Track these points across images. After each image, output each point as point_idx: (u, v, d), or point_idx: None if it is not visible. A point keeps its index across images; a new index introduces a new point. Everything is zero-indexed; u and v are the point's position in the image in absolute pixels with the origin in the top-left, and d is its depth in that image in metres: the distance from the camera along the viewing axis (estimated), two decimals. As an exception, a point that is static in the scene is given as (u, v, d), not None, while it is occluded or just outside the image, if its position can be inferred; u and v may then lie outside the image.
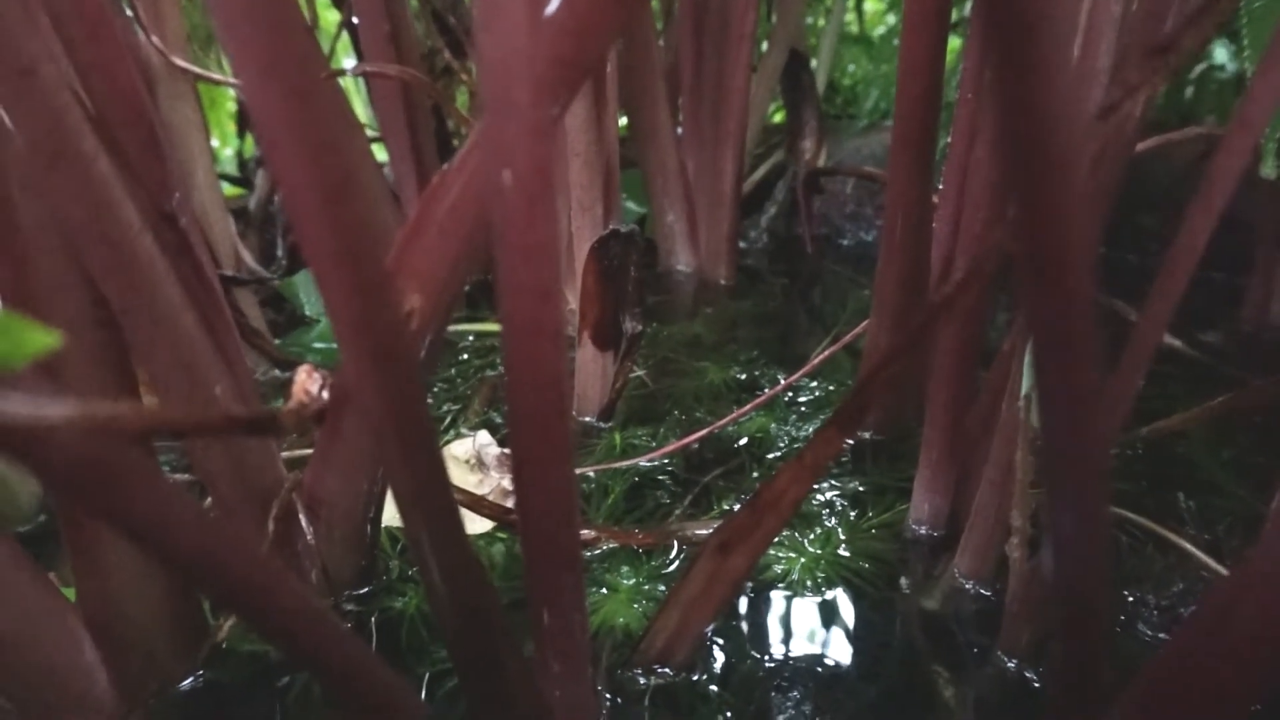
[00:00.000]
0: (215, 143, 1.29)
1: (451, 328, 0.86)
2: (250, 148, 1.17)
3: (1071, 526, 0.26)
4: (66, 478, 0.20)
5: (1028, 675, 0.43)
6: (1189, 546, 0.48)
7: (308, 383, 0.33)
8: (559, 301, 0.28)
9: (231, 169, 1.28)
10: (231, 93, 1.21)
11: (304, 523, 0.45)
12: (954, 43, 0.97)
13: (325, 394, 0.30)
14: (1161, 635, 0.44)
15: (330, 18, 1.17)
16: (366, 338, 0.27)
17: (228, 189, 1.06)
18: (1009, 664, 0.43)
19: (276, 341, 0.84)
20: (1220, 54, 0.96)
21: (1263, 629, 0.22)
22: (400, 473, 0.33)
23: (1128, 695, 0.27)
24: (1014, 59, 0.13)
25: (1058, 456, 0.24)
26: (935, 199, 0.57)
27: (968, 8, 1.08)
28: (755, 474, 0.61)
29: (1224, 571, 0.47)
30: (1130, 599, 0.47)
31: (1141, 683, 0.26)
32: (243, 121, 1.15)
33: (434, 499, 0.33)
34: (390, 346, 0.28)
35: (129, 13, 0.63)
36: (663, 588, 0.49)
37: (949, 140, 0.55)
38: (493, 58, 0.23)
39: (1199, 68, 1.01)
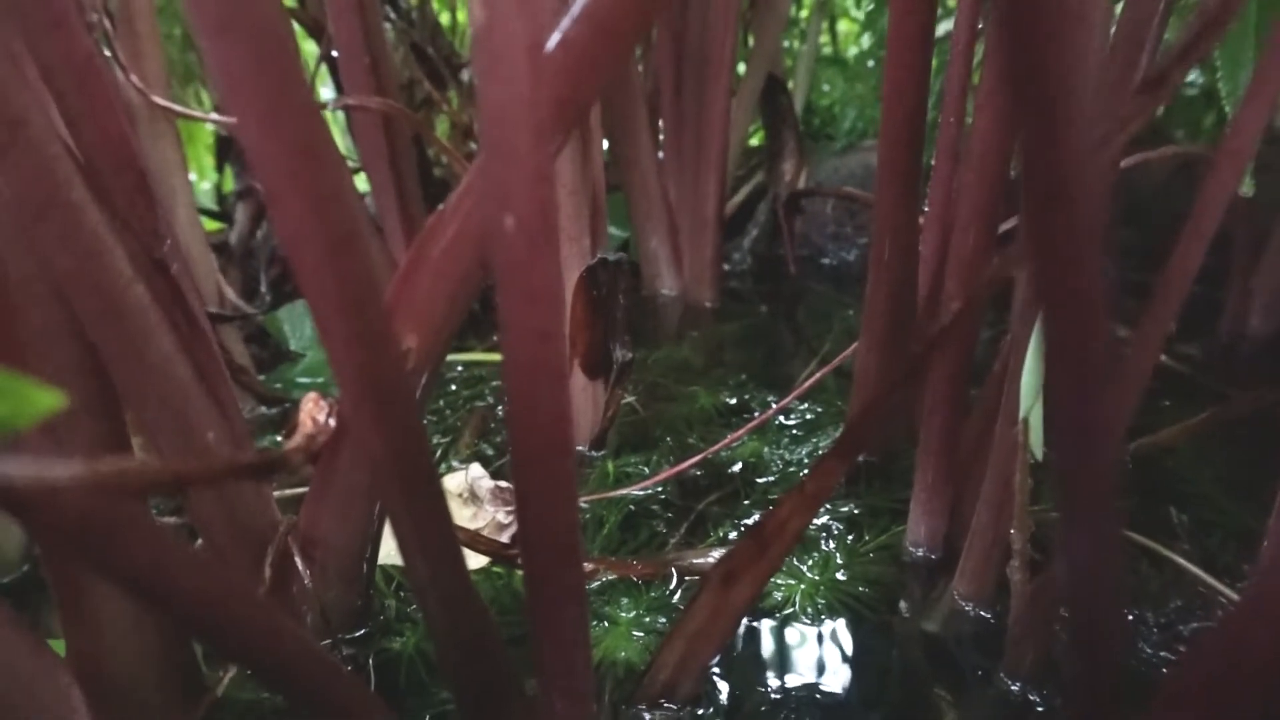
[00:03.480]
0: (193, 176, 1.28)
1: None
2: (229, 182, 1.16)
3: (1085, 550, 0.27)
4: (69, 536, 0.20)
5: (1031, 698, 0.43)
6: (1184, 562, 0.49)
7: (315, 411, 0.32)
8: (561, 342, 0.28)
9: (209, 201, 1.28)
10: (208, 127, 1.20)
11: (299, 565, 0.44)
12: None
13: (332, 421, 0.29)
14: (1163, 654, 0.44)
15: (309, 48, 1.17)
16: (368, 382, 0.27)
17: (206, 223, 1.05)
18: (1012, 686, 0.43)
19: (261, 377, 0.83)
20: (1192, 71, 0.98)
21: (1275, 656, 0.22)
22: (402, 512, 0.32)
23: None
24: (1035, 100, 0.13)
25: (1072, 481, 0.24)
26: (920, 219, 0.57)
27: (942, 28, 1.09)
28: (749, 500, 0.61)
29: (1220, 587, 0.47)
30: (1130, 617, 0.47)
31: (1156, 711, 0.26)
32: (221, 155, 1.15)
33: (436, 537, 0.33)
34: (391, 390, 0.28)
35: (108, 53, 0.63)
36: (663, 619, 0.49)
37: (933, 163, 0.55)
38: (493, 104, 0.23)
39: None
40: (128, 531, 0.21)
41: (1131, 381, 0.31)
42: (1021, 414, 0.38)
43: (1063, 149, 0.14)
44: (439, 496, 0.32)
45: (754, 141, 1.37)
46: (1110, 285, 0.19)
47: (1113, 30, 0.40)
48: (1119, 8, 0.41)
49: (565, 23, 0.26)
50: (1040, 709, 0.42)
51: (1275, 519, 0.33)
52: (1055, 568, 0.37)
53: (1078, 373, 0.18)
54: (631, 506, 0.60)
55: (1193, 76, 0.96)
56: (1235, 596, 0.46)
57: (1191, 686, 0.25)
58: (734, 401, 0.75)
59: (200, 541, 0.47)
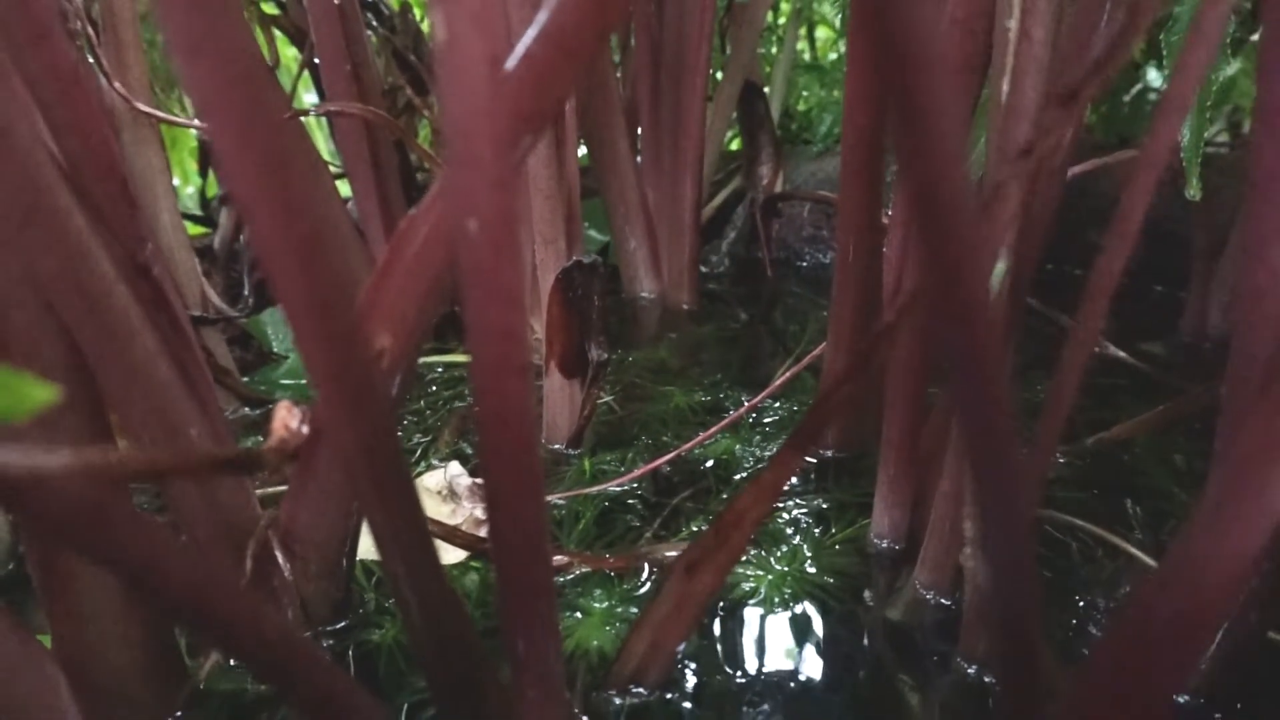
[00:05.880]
0: (176, 181, 1.29)
1: (420, 360, 0.87)
2: (213, 186, 1.17)
3: (1000, 544, 0.28)
4: (59, 523, 0.21)
5: (986, 680, 0.44)
6: (1135, 551, 0.51)
7: (288, 418, 0.34)
8: (525, 341, 0.30)
9: (193, 205, 1.29)
10: (192, 132, 1.21)
11: (280, 559, 0.45)
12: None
13: (305, 428, 0.31)
14: (1110, 636, 0.46)
15: (291, 53, 1.18)
16: (341, 383, 0.29)
17: (190, 227, 1.06)
18: (969, 669, 0.45)
19: (244, 379, 0.84)
20: (1155, 77, 1.01)
21: (1179, 625, 0.24)
22: (376, 510, 0.34)
23: (1069, 693, 0.28)
24: (918, 171, 0.15)
25: (984, 487, 0.26)
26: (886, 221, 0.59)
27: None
28: (723, 495, 0.63)
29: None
30: (1081, 604, 0.49)
31: (1078, 681, 0.28)
32: (204, 160, 1.16)
33: (410, 534, 0.34)
34: (364, 390, 0.29)
35: (92, 60, 0.64)
36: (635, 610, 0.51)
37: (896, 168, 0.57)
38: (455, 116, 0.24)
39: (1135, 89, 1.06)
40: (116, 519, 0.23)
41: (1065, 386, 0.33)
42: (970, 408, 0.40)
43: (935, 182, 0.15)
44: (412, 493, 0.33)
45: (732, 146, 1.39)
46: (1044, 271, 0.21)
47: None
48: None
49: (527, 39, 0.28)
50: (996, 689, 0.44)
51: (1201, 501, 0.35)
52: (979, 564, 0.39)
53: (975, 391, 0.20)
54: (607, 503, 0.62)
55: (1158, 83, 0.99)
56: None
57: (1105, 654, 0.26)
58: (709, 400, 0.77)
59: (183, 537, 0.48)
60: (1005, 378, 0.24)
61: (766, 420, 0.72)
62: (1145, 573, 0.50)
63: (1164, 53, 0.54)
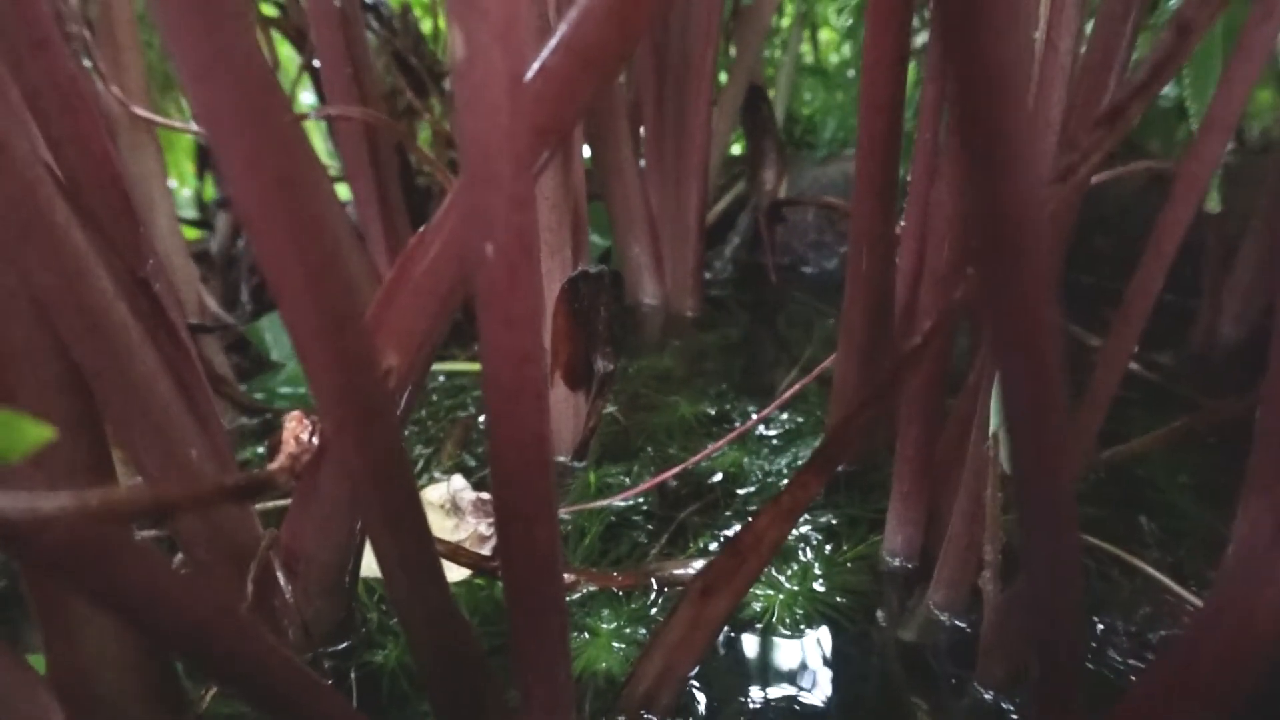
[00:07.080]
0: (173, 183, 1.27)
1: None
2: (210, 190, 1.16)
3: (1045, 561, 0.27)
4: (57, 564, 0.20)
5: (1005, 706, 0.43)
6: (1153, 571, 0.50)
7: (298, 430, 0.33)
8: (541, 364, 0.29)
9: (189, 209, 1.27)
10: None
11: (282, 579, 0.44)
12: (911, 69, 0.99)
13: (315, 440, 0.29)
14: (1131, 661, 0.45)
15: (288, 52, 1.17)
16: (348, 405, 0.28)
17: (187, 231, 1.05)
18: (986, 695, 0.44)
19: (242, 387, 0.83)
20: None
21: (1227, 661, 0.23)
22: (382, 532, 0.33)
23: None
24: (983, 163, 0.14)
25: (1031, 502, 0.25)
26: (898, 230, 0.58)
27: (920, 39, 1.11)
28: (729, 510, 0.61)
29: (1188, 596, 0.48)
30: (1100, 626, 0.48)
31: (1119, 714, 0.27)
32: (201, 163, 1.14)
33: (416, 554, 0.33)
34: (371, 411, 0.28)
35: (89, 63, 0.63)
36: (643, 630, 0.49)
37: (909, 177, 0.56)
38: (474, 135, 0.23)
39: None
40: (115, 558, 0.21)
41: (1097, 400, 0.32)
42: (992, 428, 0.39)
43: (1007, 199, 0.14)
44: (419, 514, 0.32)
45: (735, 150, 1.38)
46: (1062, 331, 0.20)
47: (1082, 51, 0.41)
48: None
49: (545, 52, 0.27)
50: (1014, 716, 0.43)
51: (1237, 533, 0.34)
52: (1019, 578, 0.38)
53: (1032, 410, 0.19)
54: (613, 517, 0.61)
55: (1166, 89, 0.98)
56: (1201, 604, 0.48)
57: (1151, 690, 0.25)
58: (714, 411, 0.76)
59: (180, 555, 0.47)
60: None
61: (773, 432, 0.71)
62: (1165, 594, 0.49)
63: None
